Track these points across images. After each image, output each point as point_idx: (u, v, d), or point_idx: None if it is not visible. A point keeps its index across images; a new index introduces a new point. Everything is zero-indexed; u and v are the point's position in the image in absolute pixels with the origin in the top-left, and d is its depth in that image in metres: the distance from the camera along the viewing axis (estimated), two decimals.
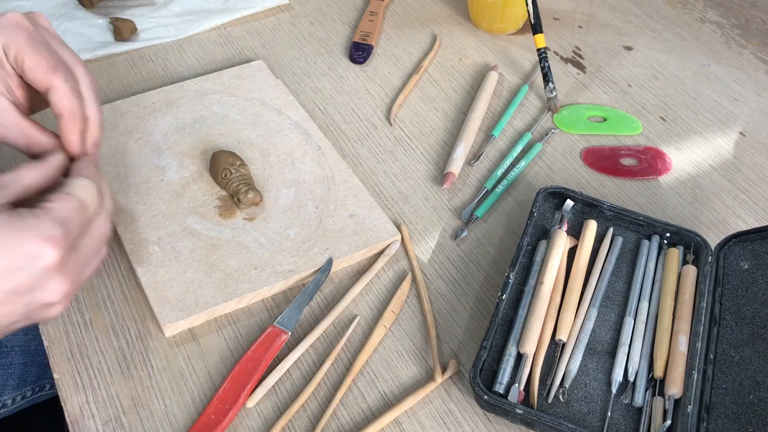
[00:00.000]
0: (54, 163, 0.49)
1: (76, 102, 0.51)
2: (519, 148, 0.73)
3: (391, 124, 0.75)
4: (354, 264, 0.62)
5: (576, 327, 0.57)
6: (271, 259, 0.60)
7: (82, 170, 0.49)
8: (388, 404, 0.54)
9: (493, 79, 0.79)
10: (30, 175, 0.47)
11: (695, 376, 0.53)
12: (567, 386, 0.54)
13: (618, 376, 0.55)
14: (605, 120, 0.78)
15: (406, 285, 0.61)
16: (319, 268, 0.60)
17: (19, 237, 0.42)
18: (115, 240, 0.62)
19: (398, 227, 0.65)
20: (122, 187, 0.65)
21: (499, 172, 0.70)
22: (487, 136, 0.75)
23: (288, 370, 0.55)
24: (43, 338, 0.56)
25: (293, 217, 0.64)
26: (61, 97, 0.50)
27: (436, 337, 0.58)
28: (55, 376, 0.54)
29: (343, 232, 0.63)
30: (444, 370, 0.56)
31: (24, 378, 0.74)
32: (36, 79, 0.50)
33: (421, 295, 0.60)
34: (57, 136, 0.52)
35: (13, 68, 0.50)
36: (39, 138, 0.51)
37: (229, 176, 0.64)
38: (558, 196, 0.65)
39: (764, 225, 0.61)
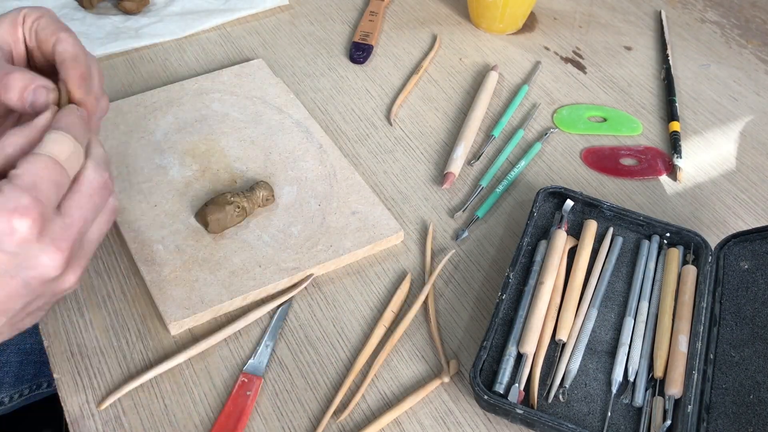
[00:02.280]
0: (38, 124, 0.44)
1: (81, 49, 0.49)
2: (512, 146, 0.73)
3: (391, 124, 0.75)
4: (354, 262, 0.62)
5: (576, 327, 0.57)
6: (275, 257, 0.60)
7: (59, 121, 0.44)
8: (388, 404, 0.54)
9: (493, 79, 0.79)
10: (12, 143, 0.43)
11: (695, 376, 0.53)
12: (567, 386, 0.54)
13: (618, 376, 0.55)
14: (605, 120, 0.78)
15: (405, 285, 0.61)
16: (276, 313, 0.59)
17: None
18: (117, 239, 0.62)
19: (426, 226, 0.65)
20: (125, 187, 0.65)
21: (493, 170, 0.70)
22: (487, 136, 0.75)
23: (288, 370, 0.55)
24: (43, 338, 0.56)
25: (296, 215, 0.64)
26: (65, 45, 0.48)
27: (440, 338, 0.58)
28: (55, 376, 0.54)
29: (347, 229, 0.63)
30: (427, 376, 0.55)
31: (20, 376, 0.74)
32: (46, 37, 0.49)
33: (429, 298, 0.60)
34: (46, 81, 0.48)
35: (24, 36, 0.50)
36: (18, 75, 0.46)
37: (237, 201, 0.62)
38: (558, 196, 0.65)
39: (764, 225, 0.61)
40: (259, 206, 0.63)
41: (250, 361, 0.55)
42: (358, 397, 0.54)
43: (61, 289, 0.43)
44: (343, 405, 0.54)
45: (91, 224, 0.44)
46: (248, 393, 0.53)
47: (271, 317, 0.58)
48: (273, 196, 0.63)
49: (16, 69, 0.47)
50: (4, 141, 0.43)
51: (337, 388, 0.54)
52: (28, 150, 0.43)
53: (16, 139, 0.43)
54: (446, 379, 0.55)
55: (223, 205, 0.61)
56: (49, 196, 0.40)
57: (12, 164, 0.42)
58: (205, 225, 0.61)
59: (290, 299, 0.59)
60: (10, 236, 0.39)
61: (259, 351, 0.56)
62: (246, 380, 0.54)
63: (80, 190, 0.43)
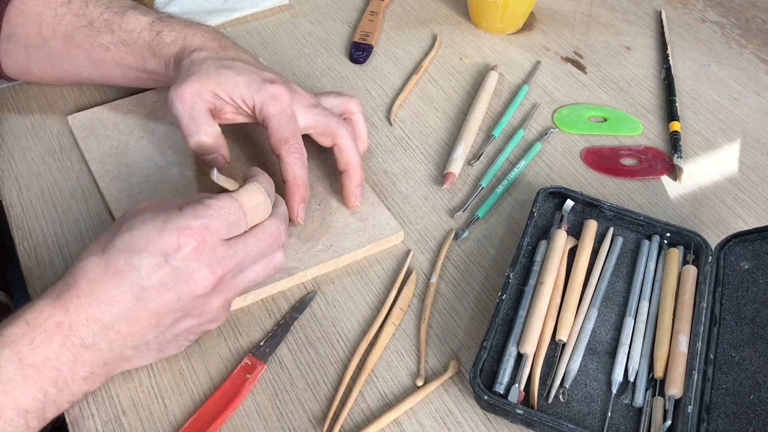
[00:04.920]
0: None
1: (299, 174, 0.59)
2: (512, 146, 0.73)
3: (391, 124, 0.75)
4: (354, 262, 0.62)
5: (576, 327, 0.57)
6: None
7: (255, 174, 0.53)
8: (388, 404, 0.54)
9: (493, 79, 0.79)
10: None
11: (695, 377, 0.53)
12: (567, 386, 0.54)
13: (618, 376, 0.55)
14: (605, 120, 0.78)
15: (412, 283, 0.61)
16: (297, 304, 0.59)
17: (161, 231, 0.46)
18: None
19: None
20: (124, 186, 0.65)
21: (493, 170, 0.70)
22: (487, 136, 0.75)
23: (288, 370, 0.55)
24: None
25: None
26: (285, 167, 0.59)
27: (425, 342, 0.58)
28: None
29: (347, 229, 0.63)
30: (427, 376, 0.56)
31: None
32: (271, 145, 0.59)
33: (427, 302, 0.60)
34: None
35: (240, 116, 0.62)
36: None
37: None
38: (558, 196, 0.65)
39: (764, 225, 0.61)
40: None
41: (258, 346, 0.56)
42: (353, 399, 0.54)
43: (207, 311, 0.50)
44: (339, 407, 0.54)
45: (251, 265, 0.51)
46: (248, 376, 0.53)
47: (290, 307, 0.59)
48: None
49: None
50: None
51: (350, 388, 0.54)
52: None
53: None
54: (419, 383, 0.55)
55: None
56: (219, 228, 0.48)
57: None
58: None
59: (314, 292, 0.60)
60: (175, 251, 0.46)
61: (269, 338, 0.56)
62: (249, 363, 0.54)
63: (253, 233, 0.51)
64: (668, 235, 0.63)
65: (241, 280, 0.51)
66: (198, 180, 0.66)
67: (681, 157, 0.73)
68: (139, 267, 0.46)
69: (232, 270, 0.49)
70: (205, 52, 0.62)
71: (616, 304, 0.59)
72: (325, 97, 0.65)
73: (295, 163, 0.59)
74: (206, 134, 0.60)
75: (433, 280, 0.61)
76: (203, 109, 0.59)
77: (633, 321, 0.58)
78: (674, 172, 0.72)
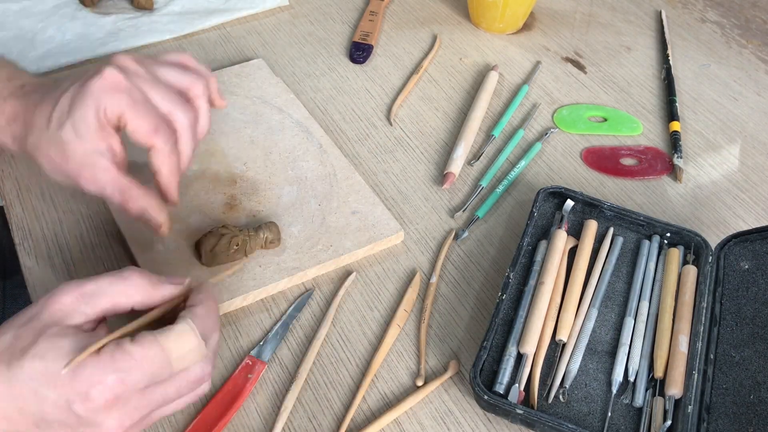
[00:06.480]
0: (158, 294, 0.46)
1: (173, 161, 0.53)
2: (512, 146, 0.73)
3: (391, 124, 0.75)
4: (354, 262, 0.62)
5: (576, 327, 0.57)
6: (275, 257, 0.60)
7: (194, 307, 0.45)
8: (388, 404, 0.54)
9: (493, 79, 0.79)
10: (123, 294, 0.44)
11: (695, 377, 0.53)
12: (567, 386, 0.54)
13: (618, 376, 0.55)
14: (605, 120, 0.78)
15: (416, 283, 0.61)
16: (295, 302, 0.59)
17: (72, 375, 0.41)
18: (117, 239, 0.62)
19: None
20: None
21: (493, 170, 0.70)
22: (487, 136, 0.75)
23: (289, 370, 0.55)
24: None
25: (296, 215, 0.64)
26: (160, 157, 0.53)
27: (426, 342, 0.58)
28: None
29: (347, 228, 0.63)
30: (427, 376, 0.56)
31: None
32: (138, 140, 0.52)
33: (427, 302, 0.60)
34: (153, 194, 0.54)
35: (116, 127, 0.52)
36: (135, 194, 0.53)
37: (233, 233, 0.58)
38: (558, 196, 0.65)
39: (764, 225, 0.61)
40: (261, 247, 0.60)
41: (258, 346, 0.56)
42: (358, 400, 0.54)
43: None
44: (346, 407, 0.54)
45: (168, 405, 0.45)
46: (249, 376, 0.53)
47: (289, 306, 0.59)
48: (279, 239, 0.60)
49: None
50: (109, 287, 0.44)
51: (354, 391, 0.54)
52: (146, 307, 0.45)
53: (130, 292, 0.45)
54: (419, 383, 0.55)
55: (219, 236, 0.58)
56: (137, 381, 0.42)
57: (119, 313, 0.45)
58: (198, 256, 0.59)
59: (312, 290, 0.60)
60: (83, 401, 0.41)
61: (269, 338, 0.56)
62: (250, 363, 0.54)
63: (174, 380, 0.44)
64: (668, 235, 0.63)
65: (154, 416, 0.45)
66: (198, 180, 0.66)
67: (681, 157, 0.73)
68: (45, 400, 0.41)
69: (144, 416, 0.43)
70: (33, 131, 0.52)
71: (616, 304, 0.59)
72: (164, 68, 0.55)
73: (165, 152, 0.53)
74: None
75: (433, 280, 0.61)
76: (107, 165, 0.52)
77: (633, 321, 0.58)
78: (674, 172, 0.72)
